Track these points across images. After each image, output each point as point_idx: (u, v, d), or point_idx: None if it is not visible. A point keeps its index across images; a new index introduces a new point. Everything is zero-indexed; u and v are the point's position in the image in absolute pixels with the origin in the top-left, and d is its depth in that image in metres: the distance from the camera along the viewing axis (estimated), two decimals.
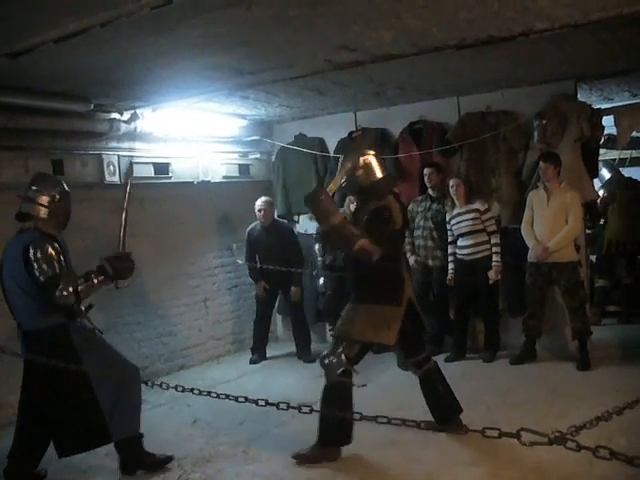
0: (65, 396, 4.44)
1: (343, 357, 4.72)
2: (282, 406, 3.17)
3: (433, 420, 5.01)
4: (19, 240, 4.41)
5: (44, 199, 4.51)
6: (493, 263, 7.06)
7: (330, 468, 4.60)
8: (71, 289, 4.30)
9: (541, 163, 6.69)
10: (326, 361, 4.79)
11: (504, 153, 7.32)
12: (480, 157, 7.45)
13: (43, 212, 4.50)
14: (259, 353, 8.10)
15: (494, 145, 7.34)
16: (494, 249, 7.10)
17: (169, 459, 4.85)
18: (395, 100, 7.70)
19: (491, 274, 7.05)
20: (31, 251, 4.29)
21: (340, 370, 4.70)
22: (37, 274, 4.28)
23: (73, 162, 6.52)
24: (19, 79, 5.18)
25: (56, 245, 4.41)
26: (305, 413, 3.12)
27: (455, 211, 7.25)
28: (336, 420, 4.64)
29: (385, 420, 2.81)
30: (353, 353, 4.77)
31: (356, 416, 2.91)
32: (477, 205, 7.15)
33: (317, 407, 3.15)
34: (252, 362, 8.01)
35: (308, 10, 3.95)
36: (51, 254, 4.34)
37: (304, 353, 8.02)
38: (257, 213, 7.88)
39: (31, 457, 4.60)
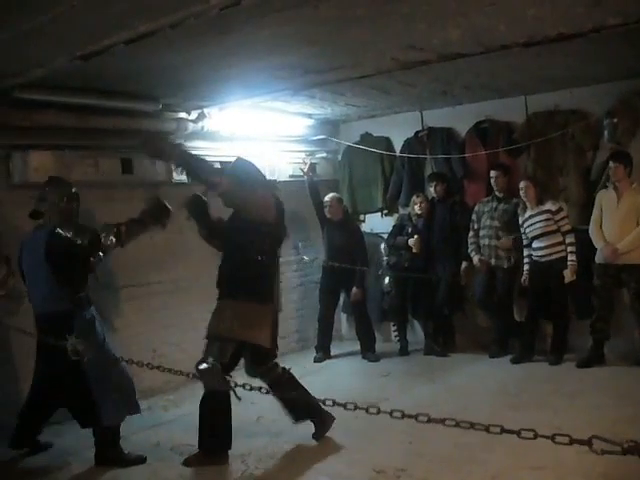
0: (62, 374, 4.75)
1: (216, 363, 4.61)
2: (349, 406, 3.16)
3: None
4: (38, 236, 4.82)
5: (55, 199, 4.88)
6: (569, 262, 6.91)
7: (392, 468, 4.56)
8: (112, 236, 4.89)
9: (611, 163, 6.54)
10: (200, 367, 4.62)
11: (572, 152, 7.19)
12: (548, 157, 7.33)
13: (54, 210, 4.86)
14: (323, 352, 8.10)
15: (562, 144, 7.21)
16: (569, 249, 6.93)
17: (141, 460, 4.95)
18: (461, 99, 7.65)
19: (567, 274, 6.90)
20: (60, 232, 4.72)
21: (216, 378, 4.58)
22: (79, 242, 4.69)
23: (142, 161, 6.60)
24: (90, 80, 5.33)
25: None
26: (372, 414, 3.09)
27: (527, 213, 7.12)
28: (214, 428, 4.79)
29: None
30: (226, 357, 4.70)
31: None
32: (548, 206, 7.01)
33: (384, 408, 3.12)
34: (316, 360, 8.00)
35: (375, 9, 3.96)
36: (80, 224, 4.88)
37: (368, 352, 8.01)
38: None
39: (35, 422, 5.06)
